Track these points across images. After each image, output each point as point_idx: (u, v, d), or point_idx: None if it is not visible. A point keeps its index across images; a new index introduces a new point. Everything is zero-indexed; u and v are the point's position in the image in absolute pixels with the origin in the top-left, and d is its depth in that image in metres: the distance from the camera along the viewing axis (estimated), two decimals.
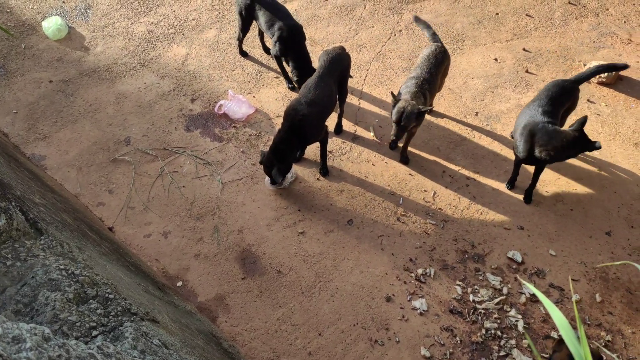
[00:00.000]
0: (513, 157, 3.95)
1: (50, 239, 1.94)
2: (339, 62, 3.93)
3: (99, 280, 1.83)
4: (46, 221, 2.17)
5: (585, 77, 3.85)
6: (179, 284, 3.54)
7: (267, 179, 4.04)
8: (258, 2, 4.41)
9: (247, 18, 4.60)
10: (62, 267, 1.78)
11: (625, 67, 3.91)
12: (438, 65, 3.98)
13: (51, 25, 5.15)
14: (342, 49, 4.04)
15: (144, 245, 3.76)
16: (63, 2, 5.58)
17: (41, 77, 4.90)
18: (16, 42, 5.18)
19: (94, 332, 1.62)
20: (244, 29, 4.75)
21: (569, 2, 5.44)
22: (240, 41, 4.94)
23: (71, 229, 2.51)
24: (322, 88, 3.77)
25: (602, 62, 4.71)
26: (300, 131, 3.70)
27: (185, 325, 2.48)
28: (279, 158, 3.73)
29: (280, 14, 4.36)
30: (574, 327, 3.22)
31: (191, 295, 3.49)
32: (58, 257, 1.85)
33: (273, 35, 4.34)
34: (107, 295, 1.79)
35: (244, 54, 5.06)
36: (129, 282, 2.36)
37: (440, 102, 4.63)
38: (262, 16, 4.40)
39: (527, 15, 5.36)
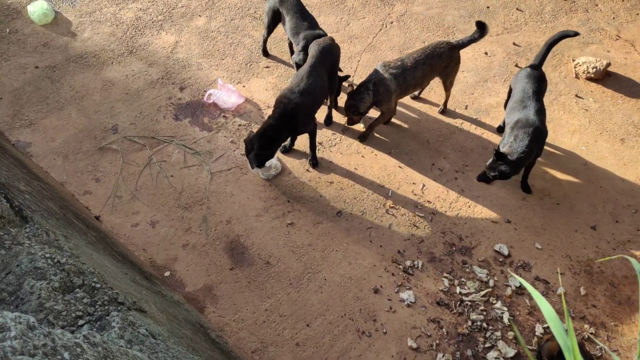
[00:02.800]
0: None
1: (36, 227, 1.91)
2: (330, 53, 3.92)
3: (85, 269, 1.81)
4: (31, 209, 2.13)
5: (544, 58, 3.87)
6: (167, 274, 3.52)
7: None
8: (285, 8, 4.32)
9: (273, 19, 4.52)
10: (47, 255, 1.75)
11: (576, 34, 3.90)
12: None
13: (37, 9, 5.05)
14: (332, 40, 4.02)
15: (132, 235, 3.73)
16: None
17: (27, 62, 4.80)
18: (0, 26, 5.07)
19: (80, 322, 1.61)
20: (269, 29, 4.67)
21: None
22: (265, 40, 4.84)
23: (57, 217, 2.47)
24: (314, 78, 3.75)
25: (590, 58, 4.75)
26: (291, 120, 3.67)
27: (173, 315, 2.47)
28: (264, 144, 3.66)
29: (306, 23, 4.26)
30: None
31: (179, 285, 3.47)
32: (44, 245, 1.82)
33: (297, 44, 4.26)
34: (93, 284, 1.77)
35: (266, 54, 4.94)
36: (116, 272, 2.34)
37: (430, 94, 4.63)
38: (288, 22, 4.31)
39: (517, 9, 5.38)
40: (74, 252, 1.94)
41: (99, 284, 1.78)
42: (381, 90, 3.95)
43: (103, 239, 3.02)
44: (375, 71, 3.99)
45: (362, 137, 4.30)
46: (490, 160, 3.58)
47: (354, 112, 4.08)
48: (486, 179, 3.67)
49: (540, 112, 3.66)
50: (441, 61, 4.01)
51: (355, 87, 4.12)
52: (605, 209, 3.92)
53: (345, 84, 4.57)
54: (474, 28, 4.00)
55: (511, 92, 3.92)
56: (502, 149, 3.58)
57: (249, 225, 3.79)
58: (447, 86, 4.29)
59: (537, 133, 3.56)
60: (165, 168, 4.11)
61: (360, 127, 4.42)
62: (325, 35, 4.23)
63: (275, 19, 4.50)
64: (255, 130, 4.34)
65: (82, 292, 1.72)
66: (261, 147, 3.65)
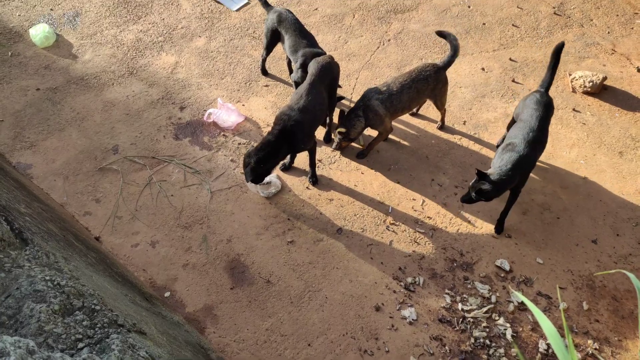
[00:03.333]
0: None
1: (36, 249, 1.92)
2: (329, 71, 3.95)
3: (85, 291, 1.81)
4: (32, 231, 2.14)
5: (551, 81, 3.77)
6: (167, 294, 3.51)
7: (250, 183, 4.03)
8: (284, 27, 4.36)
9: (272, 39, 4.56)
10: (47, 278, 1.75)
11: (562, 44, 3.74)
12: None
13: (39, 32, 5.12)
14: (331, 58, 4.06)
15: (132, 255, 3.73)
16: (51, 9, 5.55)
17: (28, 84, 4.85)
18: (2, 49, 5.13)
19: (80, 345, 1.60)
20: (268, 49, 4.71)
21: (554, 13, 5.53)
22: (264, 60, 4.89)
23: (57, 239, 2.48)
24: (313, 95, 3.78)
25: (586, 72, 4.79)
26: (290, 137, 3.68)
27: (173, 337, 2.45)
28: (261, 159, 3.63)
29: (305, 41, 4.30)
30: (563, 335, 3.24)
31: (179, 306, 3.45)
32: (44, 267, 1.83)
33: (296, 61, 4.29)
34: (93, 306, 1.76)
35: (265, 72, 4.99)
36: (116, 293, 2.34)
37: (429, 110, 4.66)
38: (287, 40, 4.35)
39: (513, 25, 5.44)
40: (74, 274, 1.94)
41: (99, 306, 1.78)
42: (371, 115, 4.00)
43: (103, 260, 3.02)
44: (363, 97, 4.05)
45: (361, 155, 4.32)
46: (473, 180, 3.51)
47: (344, 138, 4.11)
48: (469, 200, 3.59)
49: (536, 141, 3.52)
50: (427, 84, 4.02)
51: (345, 113, 4.15)
52: (606, 222, 3.92)
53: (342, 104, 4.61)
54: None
55: (516, 113, 3.84)
56: (488, 170, 3.54)
57: (249, 244, 3.79)
58: (439, 106, 4.31)
59: (523, 162, 3.44)
60: (165, 187, 4.13)
61: (359, 143, 4.44)
62: (324, 53, 4.28)
63: (274, 39, 4.55)
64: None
65: (82, 314, 1.71)
66: (258, 162, 3.62)
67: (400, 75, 4.06)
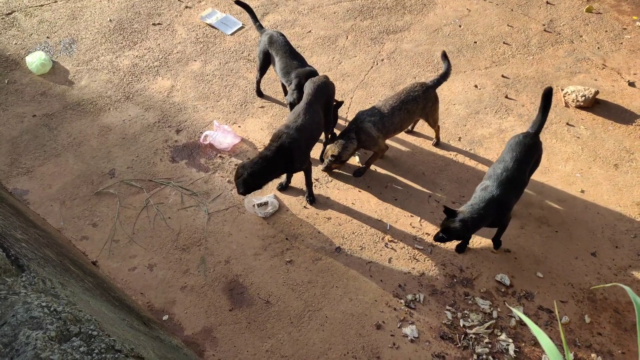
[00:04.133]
0: None
1: (32, 276, 1.90)
2: (325, 90, 3.99)
3: (82, 317, 1.79)
4: (28, 257, 2.13)
5: (541, 123, 3.60)
6: (165, 317, 3.47)
7: (247, 201, 4.02)
8: (274, 49, 4.40)
9: (264, 61, 4.61)
10: (44, 304, 1.74)
11: (550, 90, 3.58)
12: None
13: (35, 60, 5.16)
14: (326, 77, 4.10)
15: (129, 279, 3.70)
16: (47, 37, 5.61)
17: (24, 111, 4.88)
18: None
19: None
20: (262, 71, 4.75)
21: (544, 30, 5.62)
22: (258, 82, 4.93)
23: (54, 264, 2.46)
24: (310, 114, 3.81)
25: (578, 86, 4.85)
26: (287, 154, 3.69)
27: None
28: (255, 172, 3.61)
29: (296, 62, 4.33)
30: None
31: (177, 329, 3.42)
32: (40, 294, 1.81)
33: (290, 83, 4.31)
34: (90, 332, 1.74)
35: (260, 94, 5.03)
36: (113, 318, 2.31)
37: (424, 128, 4.70)
38: (278, 62, 4.38)
39: (504, 43, 5.52)
40: (71, 299, 1.93)
41: (96, 332, 1.76)
42: (364, 137, 4.04)
43: (100, 285, 2.99)
44: (355, 119, 4.08)
45: (358, 173, 4.33)
46: (445, 218, 3.43)
47: (335, 160, 4.12)
48: (440, 239, 3.47)
49: (511, 183, 3.41)
50: (417, 104, 4.05)
51: (337, 136, 4.17)
52: (604, 234, 3.92)
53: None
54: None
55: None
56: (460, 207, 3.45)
57: (248, 265, 3.77)
58: (432, 124, 4.34)
59: (496, 204, 3.36)
60: (162, 210, 4.12)
61: (355, 161, 4.46)
62: (316, 71, 4.32)
63: (266, 60, 4.59)
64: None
65: (78, 340, 1.69)
66: (251, 175, 3.60)
67: (390, 97, 4.09)
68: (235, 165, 4.44)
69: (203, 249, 3.87)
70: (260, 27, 4.64)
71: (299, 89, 4.20)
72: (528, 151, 3.53)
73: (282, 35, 4.47)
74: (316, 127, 3.88)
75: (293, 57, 4.37)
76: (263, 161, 3.64)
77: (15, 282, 1.82)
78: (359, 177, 4.33)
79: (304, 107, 3.84)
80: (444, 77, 4.11)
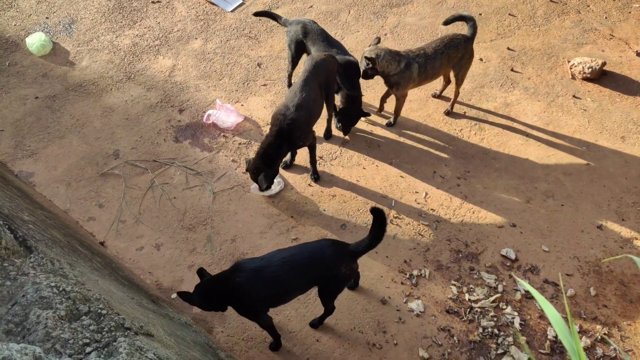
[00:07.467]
0: (503, 154, 3.95)
1: (40, 257, 1.92)
2: (323, 66, 3.91)
3: (91, 296, 1.81)
4: (35, 238, 2.14)
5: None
6: (174, 295, 3.52)
7: (253, 186, 4.02)
8: (310, 38, 4.21)
9: (297, 51, 4.40)
10: (53, 284, 1.76)
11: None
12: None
13: (35, 41, 5.12)
14: (330, 55, 4.00)
15: (137, 259, 3.73)
16: (47, 17, 5.55)
17: (27, 93, 4.86)
18: (0, 59, 5.14)
19: (88, 349, 1.60)
20: (294, 62, 4.54)
21: (551, 0, 5.51)
22: (290, 75, 4.70)
23: (61, 245, 2.48)
24: (307, 92, 3.76)
25: (585, 58, 4.77)
26: (288, 135, 3.69)
27: (181, 338, 2.46)
28: (268, 163, 3.69)
29: (335, 50, 4.15)
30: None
31: (186, 307, 3.46)
32: (49, 274, 1.83)
33: None
34: (99, 310, 1.77)
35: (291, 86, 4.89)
36: (122, 297, 2.34)
37: (429, 103, 4.65)
38: (315, 52, 4.16)
39: (510, 14, 5.42)
40: (79, 279, 1.95)
41: (105, 310, 1.78)
42: (407, 73, 4.01)
43: (108, 265, 3.02)
44: (408, 51, 4.06)
45: (390, 124, 4.52)
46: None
47: (371, 65, 3.97)
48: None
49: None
50: (457, 52, 4.08)
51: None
52: (610, 207, 3.91)
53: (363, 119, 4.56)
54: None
55: None
56: None
57: (254, 243, 3.79)
58: (459, 80, 4.33)
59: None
60: (167, 190, 4.13)
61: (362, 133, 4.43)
62: (355, 60, 4.18)
63: (299, 51, 4.39)
64: (253, 146, 4.36)
65: (88, 319, 1.72)
66: (266, 167, 3.68)
67: (433, 41, 4.13)
68: (239, 144, 4.43)
69: (209, 228, 3.89)
70: (278, 18, 4.48)
71: (347, 79, 4.07)
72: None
73: (316, 22, 4.31)
74: (314, 103, 3.83)
75: (331, 45, 4.18)
76: (269, 149, 3.67)
77: (24, 263, 1.84)
78: (392, 127, 4.50)
79: (300, 84, 3.78)
80: (474, 32, 4.15)
